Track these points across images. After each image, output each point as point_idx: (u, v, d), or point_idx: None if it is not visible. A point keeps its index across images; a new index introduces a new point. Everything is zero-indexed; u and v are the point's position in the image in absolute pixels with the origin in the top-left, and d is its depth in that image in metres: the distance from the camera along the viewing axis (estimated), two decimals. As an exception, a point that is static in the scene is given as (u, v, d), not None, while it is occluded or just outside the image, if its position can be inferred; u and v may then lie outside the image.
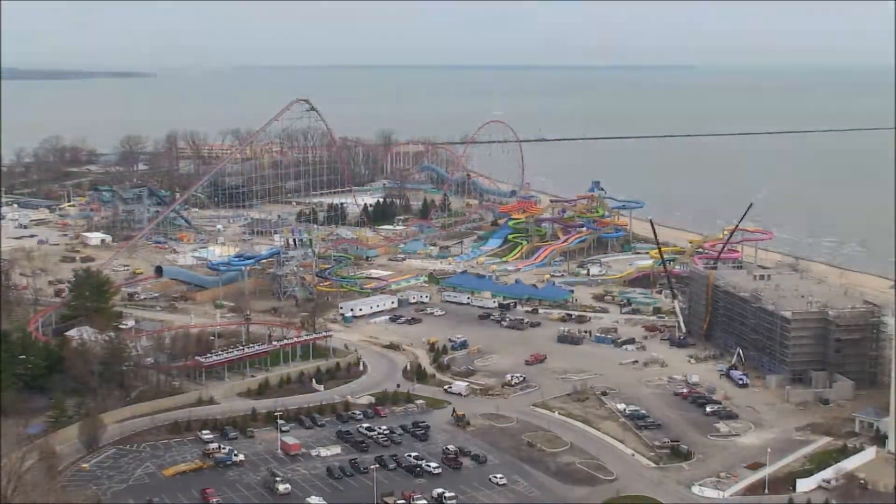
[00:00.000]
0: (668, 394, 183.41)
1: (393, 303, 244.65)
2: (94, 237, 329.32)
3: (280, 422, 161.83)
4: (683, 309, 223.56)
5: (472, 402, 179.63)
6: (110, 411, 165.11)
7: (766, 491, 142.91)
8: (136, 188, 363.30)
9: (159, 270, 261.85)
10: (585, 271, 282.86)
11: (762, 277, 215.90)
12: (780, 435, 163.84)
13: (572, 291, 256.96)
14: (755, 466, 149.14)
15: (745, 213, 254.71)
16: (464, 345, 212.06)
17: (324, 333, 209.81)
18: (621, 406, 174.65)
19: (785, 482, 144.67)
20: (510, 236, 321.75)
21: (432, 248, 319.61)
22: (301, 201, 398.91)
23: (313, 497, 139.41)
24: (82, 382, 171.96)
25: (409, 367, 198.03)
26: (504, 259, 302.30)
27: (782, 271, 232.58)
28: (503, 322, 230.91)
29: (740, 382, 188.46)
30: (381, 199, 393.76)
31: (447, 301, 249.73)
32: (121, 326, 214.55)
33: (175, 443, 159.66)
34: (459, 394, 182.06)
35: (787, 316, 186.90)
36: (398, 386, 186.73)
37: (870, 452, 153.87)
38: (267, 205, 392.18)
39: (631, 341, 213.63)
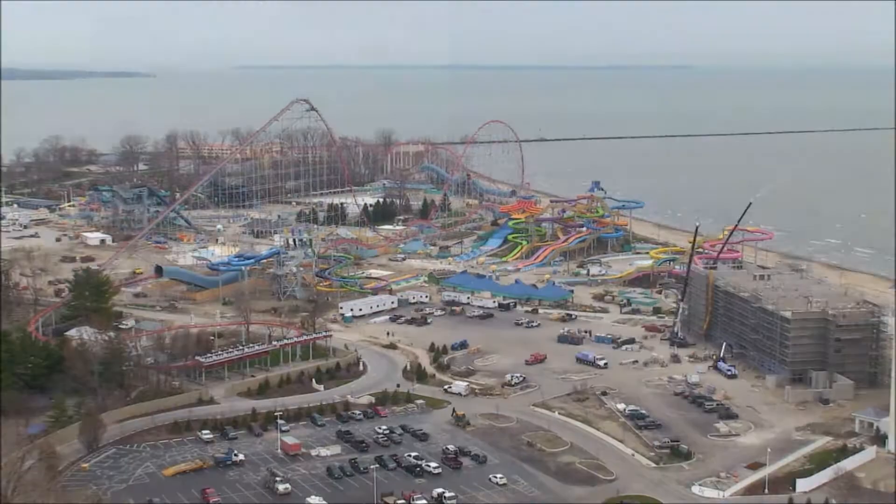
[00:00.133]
0: (668, 393, 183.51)
1: (393, 303, 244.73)
2: (94, 237, 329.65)
3: (280, 422, 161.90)
4: (684, 310, 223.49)
5: (473, 402, 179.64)
6: (110, 411, 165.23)
7: (766, 491, 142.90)
8: (136, 188, 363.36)
9: (159, 270, 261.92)
10: (585, 271, 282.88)
11: (762, 277, 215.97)
12: (780, 435, 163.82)
13: (572, 291, 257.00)
14: (755, 466, 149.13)
15: (744, 212, 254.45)
16: (463, 345, 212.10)
17: (324, 333, 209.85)
18: (621, 406, 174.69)
19: (785, 482, 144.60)
20: (510, 236, 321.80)
21: (432, 248, 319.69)
22: (301, 201, 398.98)
23: (313, 497, 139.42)
24: (82, 382, 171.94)
25: (409, 367, 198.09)
26: (504, 259, 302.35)
27: (782, 271, 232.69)
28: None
29: (728, 373, 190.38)
30: (381, 199, 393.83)
31: (448, 301, 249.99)
32: (121, 326, 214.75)
33: (175, 443, 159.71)
34: (459, 393, 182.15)
35: (787, 316, 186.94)
36: (398, 386, 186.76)
37: (870, 452, 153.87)
38: (267, 205, 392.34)
39: (631, 341, 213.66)
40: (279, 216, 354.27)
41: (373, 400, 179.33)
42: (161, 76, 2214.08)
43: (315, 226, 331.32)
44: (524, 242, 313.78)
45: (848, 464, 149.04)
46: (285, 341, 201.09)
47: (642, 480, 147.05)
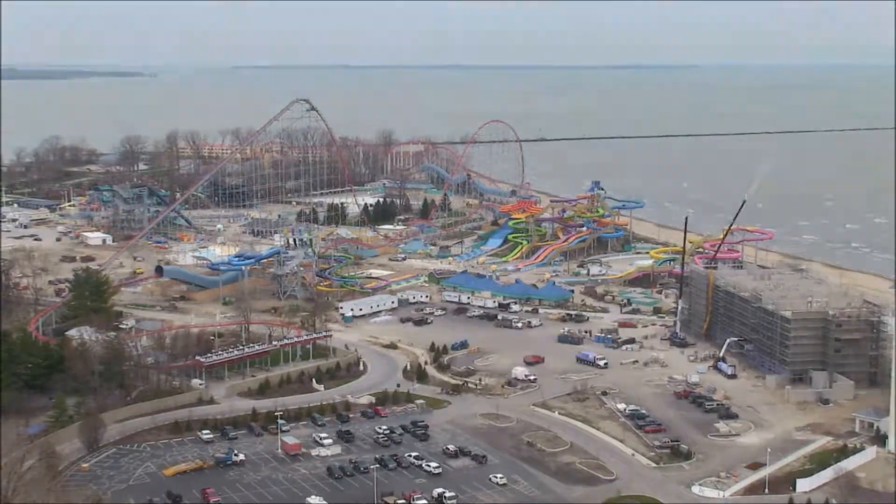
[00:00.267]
0: (668, 393, 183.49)
1: (393, 303, 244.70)
2: (95, 237, 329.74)
3: (280, 422, 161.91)
4: (684, 310, 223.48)
5: (473, 402, 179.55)
6: (110, 411, 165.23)
7: (766, 491, 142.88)
8: (136, 188, 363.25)
9: (159, 270, 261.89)
10: (585, 271, 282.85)
11: (762, 277, 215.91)
12: (780, 435, 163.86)
13: (572, 291, 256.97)
14: (755, 466, 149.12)
15: (739, 211, 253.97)
16: (464, 344, 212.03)
17: (324, 333, 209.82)
18: (621, 406, 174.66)
19: (785, 482, 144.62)
20: (510, 236, 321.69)
21: (432, 247, 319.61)
22: (301, 201, 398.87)
23: (313, 497, 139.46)
24: (82, 382, 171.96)
25: (409, 367, 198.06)
26: (504, 259, 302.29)
27: (782, 271, 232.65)
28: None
29: (728, 373, 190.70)
30: (382, 199, 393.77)
31: (448, 301, 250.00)
32: (121, 326, 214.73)
33: (175, 443, 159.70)
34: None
35: (787, 316, 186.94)
36: (398, 386, 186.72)
37: (870, 452, 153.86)
38: (267, 205, 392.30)
39: (631, 341, 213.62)
40: (279, 216, 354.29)
41: (373, 400, 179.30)
42: (161, 76, 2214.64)
43: (315, 226, 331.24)
44: (524, 242, 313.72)
45: (848, 464, 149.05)
46: (285, 341, 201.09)
47: (642, 480, 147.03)
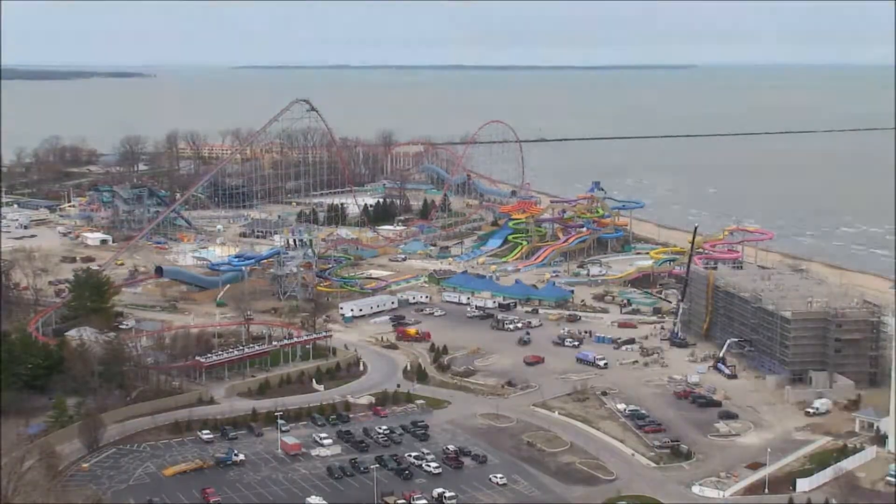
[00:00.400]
0: (668, 393, 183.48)
1: (393, 303, 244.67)
2: (94, 237, 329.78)
3: (280, 422, 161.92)
4: (684, 310, 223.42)
5: (473, 401, 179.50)
6: (110, 411, 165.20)
7: (766, 491, 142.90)
8: (136, 188, 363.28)
9: (159, 270, 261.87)
10: (585, 271, 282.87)
11: (762, 278, 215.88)
12: (780, 435, 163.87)
13: (572, 291, 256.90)
14: (755, 466, 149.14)
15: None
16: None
17: (324, 333, 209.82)
18: (621, 406, 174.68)
19: (785, 482, 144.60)
20: (510, 236, 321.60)
21: (432, 248, 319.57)
22: (301, 201, 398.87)
23: (313, 497, 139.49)
24: (82, 382, 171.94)
25: (409, 367, 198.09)
26: (504, 259, 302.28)
27: (782, 271, 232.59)
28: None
29: (727, 374, 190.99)
30: (381, 200, 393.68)
31: (448, 301, 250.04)
32: (121, 326, 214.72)
33: (175, 443, 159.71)
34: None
35: (787, 316, 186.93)
36: (398, 386, 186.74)
37: (870, 452, 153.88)
38: (267, 205, 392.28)
39: (631, 341, 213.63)
40: (279, 216, 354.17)
41: (373, 400, 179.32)
42: (161, 76, 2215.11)
43: (315, 226, 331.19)
44: (524, 243, 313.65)
45: (848, 464, 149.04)
46: (285, 341, 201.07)
47: (642, 480, 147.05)
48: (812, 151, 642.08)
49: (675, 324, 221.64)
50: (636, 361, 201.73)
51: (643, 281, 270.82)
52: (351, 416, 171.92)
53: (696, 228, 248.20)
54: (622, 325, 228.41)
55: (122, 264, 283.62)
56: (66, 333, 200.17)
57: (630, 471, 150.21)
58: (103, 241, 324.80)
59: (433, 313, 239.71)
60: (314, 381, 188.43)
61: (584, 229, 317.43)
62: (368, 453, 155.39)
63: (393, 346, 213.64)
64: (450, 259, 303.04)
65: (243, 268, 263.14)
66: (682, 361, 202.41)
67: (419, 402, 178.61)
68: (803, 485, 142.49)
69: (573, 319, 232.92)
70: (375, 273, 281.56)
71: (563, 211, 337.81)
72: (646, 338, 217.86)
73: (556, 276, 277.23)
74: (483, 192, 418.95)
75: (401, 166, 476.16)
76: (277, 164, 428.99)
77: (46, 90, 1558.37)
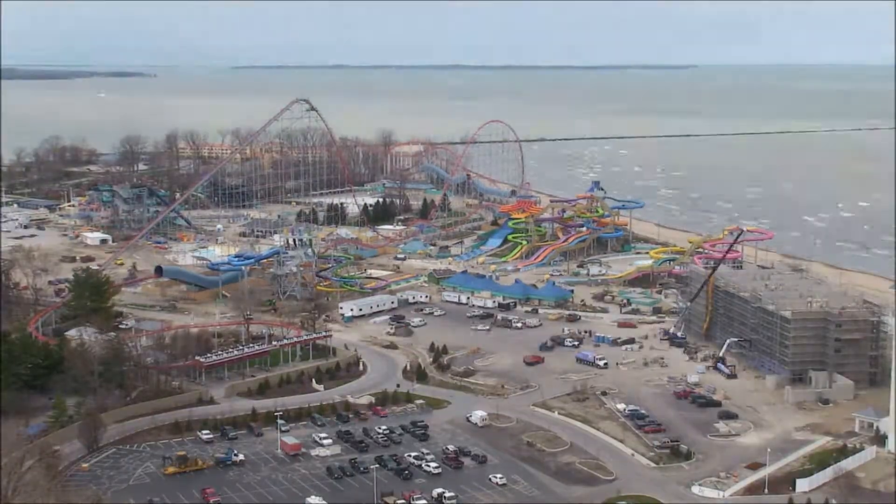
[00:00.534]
0: (667, 393, 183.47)
1: (393, 303, 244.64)
2: (95, 237, 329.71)
3: (280, 422, 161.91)
4: (685, 310, 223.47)
5: (473, 402, 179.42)
6: (110, 411, 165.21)
7: (766, 491, 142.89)
8: (135, 188, 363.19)
9: (159, 270, 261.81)
10: (585, 271, 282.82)
11: (762, 277, 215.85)
12: (780, 435, 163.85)
13: (572, 291, 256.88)
14: (755, 466, 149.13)
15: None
16: None
17: (324, 333, 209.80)
18: (621, 406, 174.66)
19: (785, 482, 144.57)
20: (510, 236, 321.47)
21: (432, 248, 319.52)
22: (301, 201, 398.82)
23: (313, 497, 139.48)
24: (82, 382, 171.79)
25: (409, 367, 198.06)
26: (504, 259, 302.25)
27: (782, 271, 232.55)
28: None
29: (726, 374, 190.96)
30: (381, 199, 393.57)
31: (447, 301, 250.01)
32: (121, 326, 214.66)
33: (175, 443, 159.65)
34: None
35: (787, 316, 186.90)
36: (398, 386, 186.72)
37: (870, 452, 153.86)
38: (267, 205, 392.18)
39: (631, 341, 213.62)
40: (279, 216, 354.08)
41: (373, 400, 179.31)
42: (161, 76, 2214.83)
43: (315, 226, 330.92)
44: (524, 242, 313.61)
45: (848, 464, 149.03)
46: (285, 341, 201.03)
47: (642, 480, 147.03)
48: (812, 151, 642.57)
49: (674, 324, 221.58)
50: (635, 361, 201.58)
51: (643, 280, 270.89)
52: (360, 414, 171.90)
53: (741, 231, 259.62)
54: (622, 324, 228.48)
55: (121, 264, 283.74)
56: (66, 333, 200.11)
57: (630, 471, 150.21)
58: (103, 241, 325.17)
59: (433, 313, 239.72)
60: (314, 381, 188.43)
61: (584, 229, 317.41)
62: (368, 453, 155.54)
63: (392, 346, 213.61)
64: (449, 259, 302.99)
65: (243, 267, 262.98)
66: (681, 361, 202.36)
67: (419, 402, 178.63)
68: (803, 485, 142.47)
69: (573, 319, 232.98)
70: (375, 273, 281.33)
71: (563, 210, 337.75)
72: (645, 337, 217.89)
73: (558, 275, 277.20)
74: (483, 191, 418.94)
75: (400, 166, 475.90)
76: (277, 164, 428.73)
77: (46, 90, 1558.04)
